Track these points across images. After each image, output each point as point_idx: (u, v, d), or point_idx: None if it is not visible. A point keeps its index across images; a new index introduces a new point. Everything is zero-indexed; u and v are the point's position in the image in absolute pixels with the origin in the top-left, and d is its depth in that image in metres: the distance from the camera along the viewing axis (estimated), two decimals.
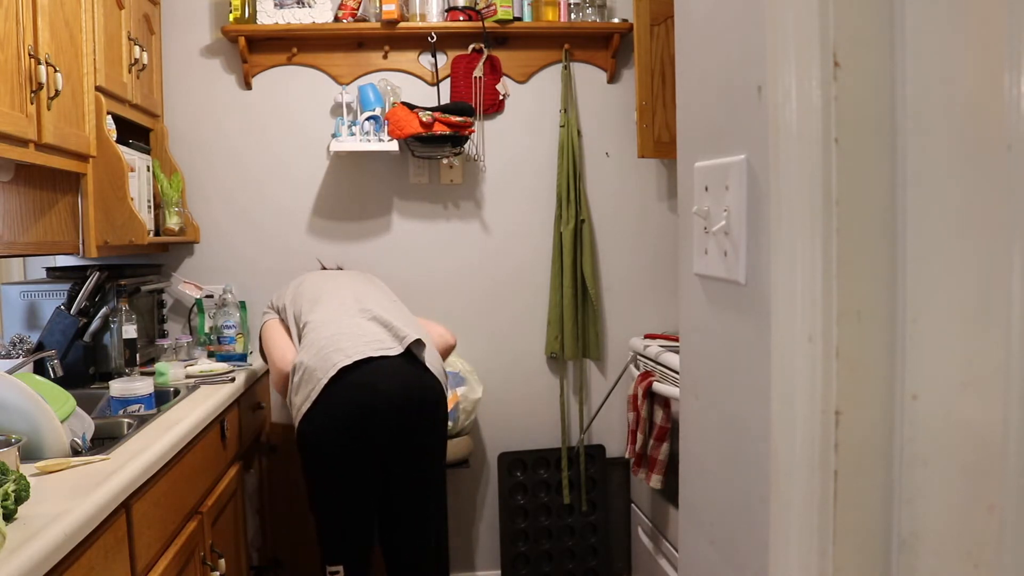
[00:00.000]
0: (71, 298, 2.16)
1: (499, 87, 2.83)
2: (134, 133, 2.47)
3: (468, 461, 2.77)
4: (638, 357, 2.69)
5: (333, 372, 1.96)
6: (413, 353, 2.09)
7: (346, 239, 2.84)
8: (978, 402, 0.56)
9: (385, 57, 2.79)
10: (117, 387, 1.92)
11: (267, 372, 2.72)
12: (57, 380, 1.80)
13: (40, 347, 2.10)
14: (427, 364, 2.08)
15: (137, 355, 2.31)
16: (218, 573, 1.84)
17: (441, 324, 2.43)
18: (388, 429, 2.00)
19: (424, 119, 2.58)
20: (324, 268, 2.68)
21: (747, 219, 0.83)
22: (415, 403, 2.03)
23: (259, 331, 2.39)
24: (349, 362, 1.97)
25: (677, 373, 1.77)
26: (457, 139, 2.67)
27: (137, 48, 2.36)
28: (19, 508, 1.16)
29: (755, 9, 0.79)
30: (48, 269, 2.46)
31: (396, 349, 2.05)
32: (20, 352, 2.09)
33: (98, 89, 2.10)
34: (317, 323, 2.12)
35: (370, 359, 2.00)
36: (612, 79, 2.89)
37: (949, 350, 0.59)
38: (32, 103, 1.71)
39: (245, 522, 2.27)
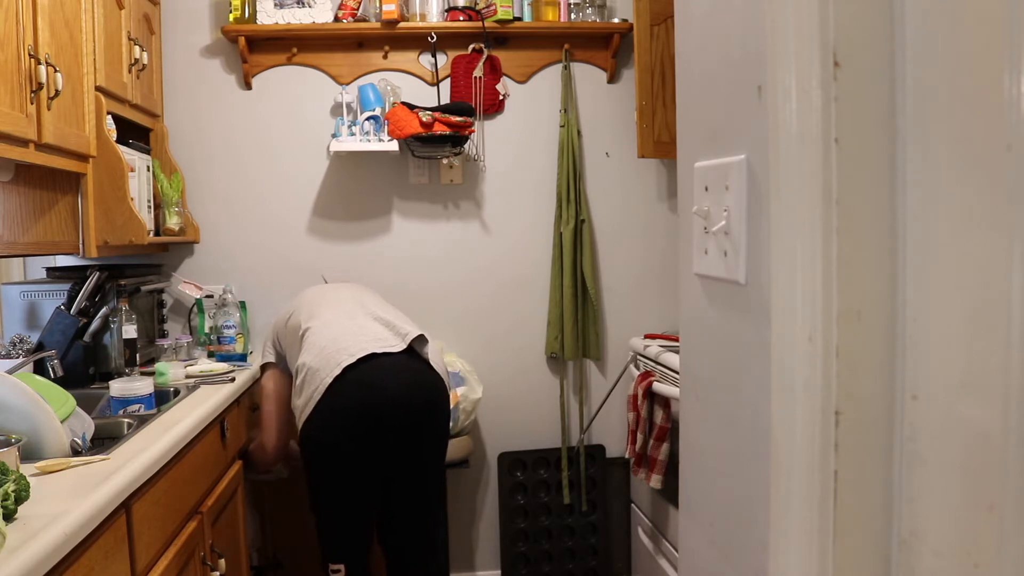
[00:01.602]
0: (71, 298, 2.16)
1: (499, 87, 2.83)
2: (134, 133, 2.47)
3: (468, 461, 2.76)
4: (638, 357, 2.69)
5: (337, 371, 1.96)
6: (415, 350, 2.09)
7: (346, 239, 2.84)
8: (978, 402, 0.56)
9: (385, 57, 2.79)
10: (117, 387, 1.92)
11: None
12: (57, 380, 1.80)
13: (40, 347, 2.10)
14: (430, 361, 2.09)
15: (137, 355, 2.31)
16: (218, 573, 1.84)
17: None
18: (393, 429, 2.00)
19: (424, 119, 2.58)
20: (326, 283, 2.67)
21: (747, 219, 0.83)
22: (419, 402, 2.03)
23: (261, 375, 2.37)
24: (352, 360, 1.97)
25: (677, 373, 1.77)
26: (457, 139, 2.67)
27: (137, 48, 2.36)
28: (19, 508, 1.16)
29: (755, 9, 0.79)
30: (48, 269, 2.46)
31: (399, 345, 2.06)
32: (20, 352, 2.09)
33: (98, 89, 2.10)
34: (318, 327, 2.11)
35: (373, 356, 2.00)
36: (612, 79, 2.89)
37: (949, 350, 0.59)
38: (32, 103, 1.71)
39: (245, 522, 2.27)
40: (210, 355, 2.56)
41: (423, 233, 2.86)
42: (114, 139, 2.18)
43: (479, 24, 2.73)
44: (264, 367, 2.35)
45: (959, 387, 0.58)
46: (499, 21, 2.73)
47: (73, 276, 2.26)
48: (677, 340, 1.84)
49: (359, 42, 2.77)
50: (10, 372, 1.63)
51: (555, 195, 2.86)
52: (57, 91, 1.80)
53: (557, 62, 2.85)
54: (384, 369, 2.00)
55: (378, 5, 2.68)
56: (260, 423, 2.31)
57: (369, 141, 2.67)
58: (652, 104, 2.62)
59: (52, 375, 1.90)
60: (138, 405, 1.91)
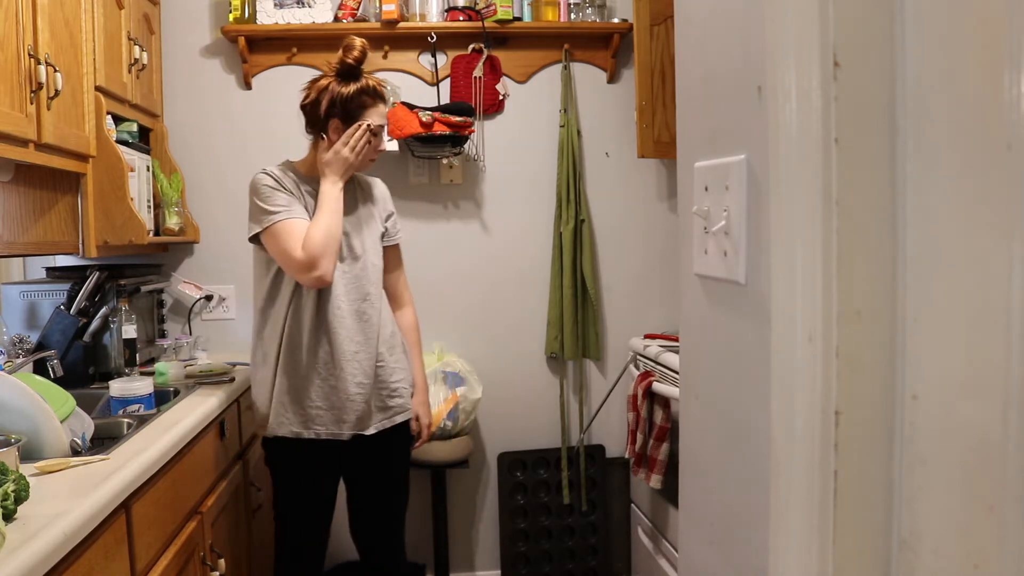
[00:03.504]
0: (71, 298, 2.16)
1: (499, 87, 2.83)
2: None
3: (468, 461, 2.77)
4: (638, 357, 2.69)
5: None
6: None
7: None
8: (978, 402, 0.56)
9: (385, 57, 2.79)
10: (117, 387, 1.92)
11: None
12: (57, 380, 1.80)
13: (40, 347, 2.10)
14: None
15: (137, 355, 2.31)
16: (218, 573, 1.84)
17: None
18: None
19: (424, 119, 2.57)
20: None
21: (747, 219, 0.83)
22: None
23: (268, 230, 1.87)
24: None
25: (677, 373, 1.77)
26: (457, 139, 2.67)
27: (137, 48, 2.36)
28: (19, 508, 1.16)
29: (755, 9, 0.79)
30: (48, 269, 2.46)
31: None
32: (20, 352, 2.09)
33: (98, 89, 2.10)
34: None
35: None
36: (612, 79, 2.89)
37: (949, 350, 0.59)
38: (32, 103, 1.71)
39: (246, 522, 2.27)
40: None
41: (422, 233, 2.86)
42: (114, 139, 2.18)
43: (479, 24, 2.73)
44: None
45: (959, 387, 0.58)
46: (499, 21, 2.73)
47: (73, 276, 2.26)
48: (677, 340, 1.84)
49: None
50: (10, 372, 1.63)
51: (555, 195, 2.86)
52: (57, 91, 1.80)
53: (557, 62, 2.85)
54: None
55: (378, 5, 2.68)
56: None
57: None
58: (652, 104, 2.61)
59: (52, 375, 1.90)
60: (138, 405, 1.91)
